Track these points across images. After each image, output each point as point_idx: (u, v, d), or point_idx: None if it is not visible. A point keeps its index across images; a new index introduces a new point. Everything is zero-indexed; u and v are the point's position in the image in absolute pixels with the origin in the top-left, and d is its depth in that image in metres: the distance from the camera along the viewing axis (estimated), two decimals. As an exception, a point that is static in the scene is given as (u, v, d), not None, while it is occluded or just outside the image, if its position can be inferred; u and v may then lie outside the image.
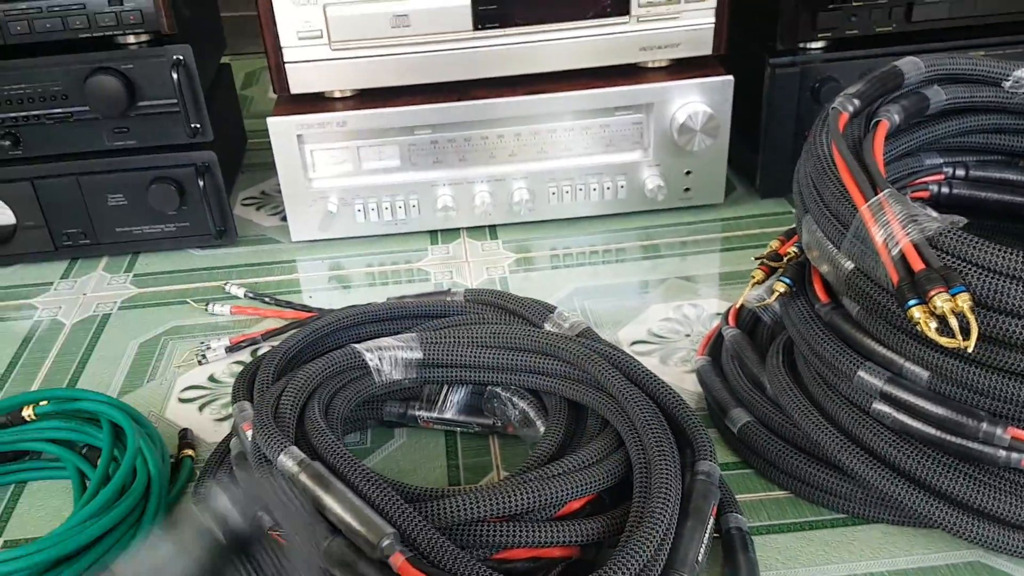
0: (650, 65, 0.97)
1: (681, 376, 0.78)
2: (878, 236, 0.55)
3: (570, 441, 0.65)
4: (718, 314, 0.85)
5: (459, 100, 0.94)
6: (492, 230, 1.02)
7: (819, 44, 0.94)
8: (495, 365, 0.68)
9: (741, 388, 0.70)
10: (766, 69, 0.94)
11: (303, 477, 0.55)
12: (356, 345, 0.67)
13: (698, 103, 0.94)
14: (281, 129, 0.94)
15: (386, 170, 0.98)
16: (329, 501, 0.54)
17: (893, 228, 0.55)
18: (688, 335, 0.83)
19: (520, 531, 0.55)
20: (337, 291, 0.94)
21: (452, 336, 0.69)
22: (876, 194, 0.57)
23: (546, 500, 0.56)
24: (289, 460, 0.56)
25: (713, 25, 0.93)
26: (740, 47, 0.96)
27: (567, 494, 0.57)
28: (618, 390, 0.62)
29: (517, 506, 0.55)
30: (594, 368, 0.64)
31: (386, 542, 0.50)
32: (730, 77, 0.94)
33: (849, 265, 0.59)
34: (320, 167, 0.97)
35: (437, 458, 0.72)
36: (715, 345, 0.77)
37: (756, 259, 0.70)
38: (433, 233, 1.02)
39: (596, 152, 0.98)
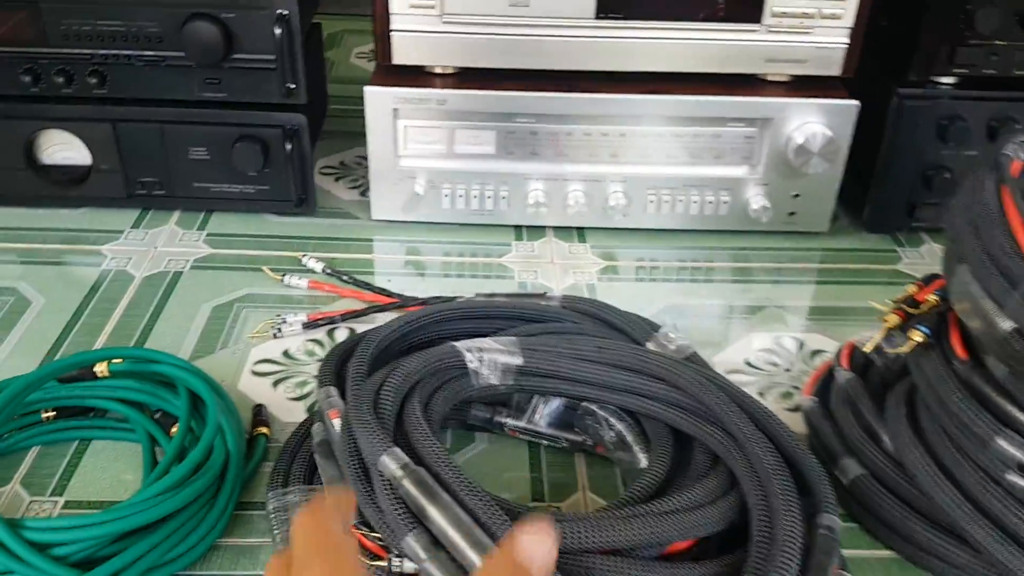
0: (770, 78, 0.92)
1: (782, 414, 0.73)
2: (1054, 300, 0.51)
3: (674, 474, 0.61)
4: (819, 351, 0.81)
5: (567, 91, 0.90)
6: (580, 232, 0.98)
7: (951, 80, 0.89)
8: (598, 382, 0.64)
9: (854, 436, 0.66)
10: (892, 99, 0.89)
11: (407, 483, 0.51)
12: (457, 344, 0.62)
13: (818, 124, 0.89)
14: (378, 100, 0.90)
15: (480, 156, 0.93)
16: (433, 512, 0.50)
17: (1072, 294, 0.50)
18: (787, 369, 0.79)
19: (627, 567, 0.51)
20: (412, 277, 0.90)
21: (554, 345, 0.65)
22: (1053, 254, 0.52)
23: (657, 537, 0.52)
24: (392, 463, 0.52)
25: (846, 46, 0.88)
26: (865, 72, 0.91)
27: (680, 533, 0.53)
28: (738, 429, 0.58)
29: (626, 540, 0.51)
30: (711, 400, 0.60)
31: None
32: (855, 102, 0.89)
33: (1007, 325, 0.54)
34: (412, 144, 0.93)
35: (519, 469, 0.68)
36: (823, 385, 0.72)
37: (891, 301, 0.66)
38: (518, 228, 0.98)
39: (702, 163, 0.93)
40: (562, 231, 0.98)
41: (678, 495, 0.55)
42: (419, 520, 0.51)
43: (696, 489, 0.56)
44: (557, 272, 0.92)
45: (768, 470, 0.55)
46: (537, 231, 0.98)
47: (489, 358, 0.62)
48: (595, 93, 0.90)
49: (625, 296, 0.88)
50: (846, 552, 0.61)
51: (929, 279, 0.66)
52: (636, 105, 0.90)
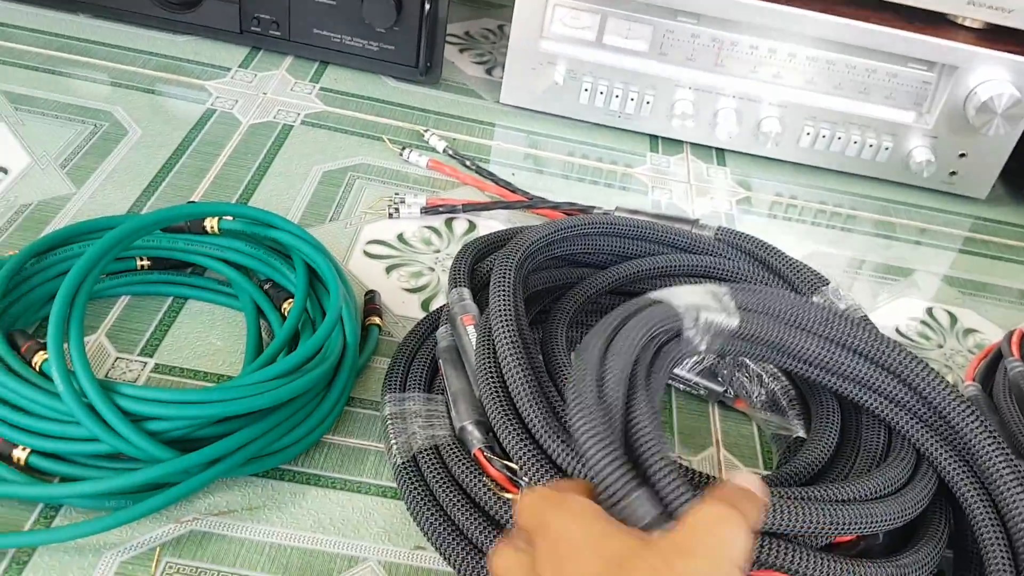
0: (962, 21, 0.82)
1: (937, 397, 0.67)
2: None
3: (839, 451, 0.55)
4: (973, 331, 0.74)
5: (743, -5, 0.80)
6: (720, 154, 0.90)
7: None
8: (820, 362, 0.53)
9: (1021, 435, 0.59)
10: (1098, 65, 0.80)
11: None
12: (675, 303, 0.50)
13: (1007, 83, 0.80)
14: (532, -28, 0.81)
15: (630, 52, 0.84)
16: None
17: None
18: (940, 345, 0.72)
19: (793, 554, 0.45)
20: (530, 172, 0.82)
21: (773, 308, 0.53)
22: None
23: (831, 526, 0.46)
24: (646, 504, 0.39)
25: (1064, -1, 0.78)
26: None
27: (859, 525, 0.47)
28: (1004, 481, 0.49)
29: (806, 526, 0.45)
30: (976, 441, 0.51)
31: None
32: (1056, 63, 0.79)
33: None
34: (557, 26, 0.84)
35: (647, 409, 0.62)
36: (987, 372, 0.66)
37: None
38: (655, 139, 0.90)
39: (872, 101, 0.84)
40: (701, 150, 0.90)
41: (863, 481, 0.48)
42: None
43: (881, 475, 0.50)
44: (691, 193, 0.84)
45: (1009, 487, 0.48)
46: (674, 145, 0.90)
47: (705, 319, 0.51)
48: (771, 2, 0.80)
49: (757, 231, 0.80)
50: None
51: None
52: (812, 23, 0.80)
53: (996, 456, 0.50)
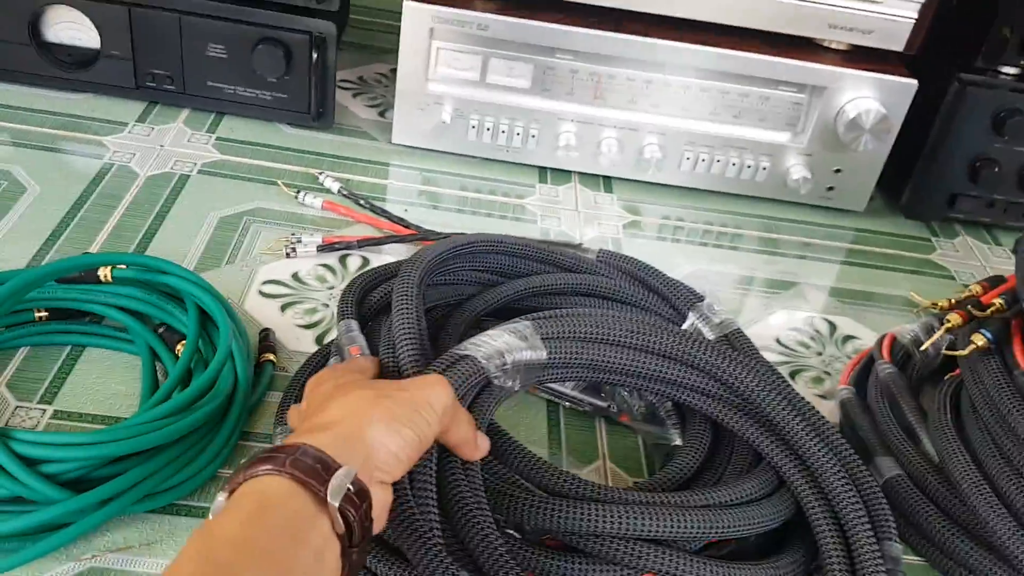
0: (828, 44, 0.88)
1: (814, 400, 0.71)
2: None
3: (711, 457, 0.58)
4: (851, 337, 0.78)
5: (614, 31, 0.85)
6: (607, 181, 0.94)
7: (1016, 71, 0.85)
8: (631, 370, 0.56)
9: (891, 434, 0.63)
10: (953, 83, 0.85)
11: None
12: (478, 357, 0.52)
13: (872, 100, 0.85)
14: (415, 17, 0.84)
15: (513, 89, 0.88)
16: None
17: None
18: (819, 353, 0.76)
19: (667, 559, 0.48)
20: (425, 208, 0.85)
21: (579, 330, 0.56)
22: None
23: (702, 531, 0.49)
24: None
25: (914, 20, 0.83)
26: (927, 53, 0.87)
27: (730, 528, 0.50)
28: (812, 454, 0.53)
29: (670, 532, 0.48)
30: (774, 412, 0.54)
31: None
32: (914, 81, 0.85)
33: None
34: (442, 68, 0.87)
35: (537, 428, 0.64)
36: (860, 375, 0.70)
37: (953, 302, 0.63)
38: (543, 170, 0.93)
39: (747, 124, 0.89)
40: (588, 178, 0.94)
41: (730, 487, 0.52)
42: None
43: (748, 482, 0.53)
44: (580, 221, 0.87)
45: (849, 508, 0.51)
46: (562, 175, 0.93)
47: (513, 361, 0.53)
48: (644, 36, 0.85)
49: (647, 254, 0.83)
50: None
51: (994, 281, 0.63)
52: (685, 54, 0.85)
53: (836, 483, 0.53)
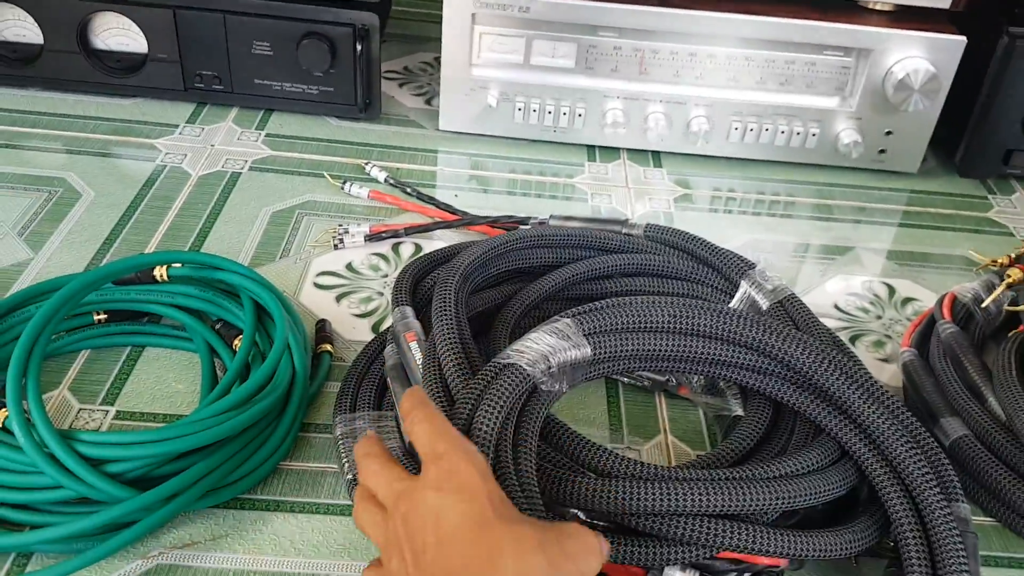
0: (872, 6, 0.86)
1: (874, 363, 0.69)
2: None
3: (773, 426, 0.57)
4: (911, 299, 0.77)
5: (657, 5, 0.84)
6: (656, 157, 0.93)
7: (1068, 19, 0.82)
8: (677, 355, 0.55)
9: (956, 394, 0.62)
10: (1002, 38, 0.83)
11: None
12: (523, 365, 0.51)
13: (921, 60, 0.83)
14: (458, 3, 0.84)
15: (557, 70, 0.88)
16: None
17: None
18: (879, 317, 0.74)
19: (742, 534, 0.47)
20: (476, 192, 0.85)
21: (622, 321, 0.55)
22: None
23: (771, 503, 0.48)
24: None
25: (962, -25, 0.81)
26: (975, 8, 0.84)
27: (798, 498, 0.49)
28: (872, 423, 0.52)
29: (739, 506, 0.48)
30: (829, 383, 0.53)
31: None
32: (963, 38, 0.83)
33: None
34: (486, 53, 0.87)
35: (596, 405, 0.64)
36: (922, 337, 0.68)
37: (1012, 258, 0.61)
38: (592, 149, 0.93)
39: (794, 91, 0.87)
40: (637, 154, 0.93)
41: (795, 457, 0.51)
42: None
43: (812, 452, 0.52)
44: (631, 197, 0.87)
45: (917, 477, 0.50)
46: (611, 153, 0.93)
47: (559, 363, 0.52)
48: (685, 9, 0.84)
49: (705, 228, 0.83)
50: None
51: (1060, 234, 0.61)
52: (728, 25, 0.84)
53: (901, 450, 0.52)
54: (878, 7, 0.86)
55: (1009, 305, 0.61)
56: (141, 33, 0.87)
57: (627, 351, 0.54)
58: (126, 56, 0.89)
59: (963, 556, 0.47)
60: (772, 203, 0.89)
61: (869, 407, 0.52)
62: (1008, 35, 0.83)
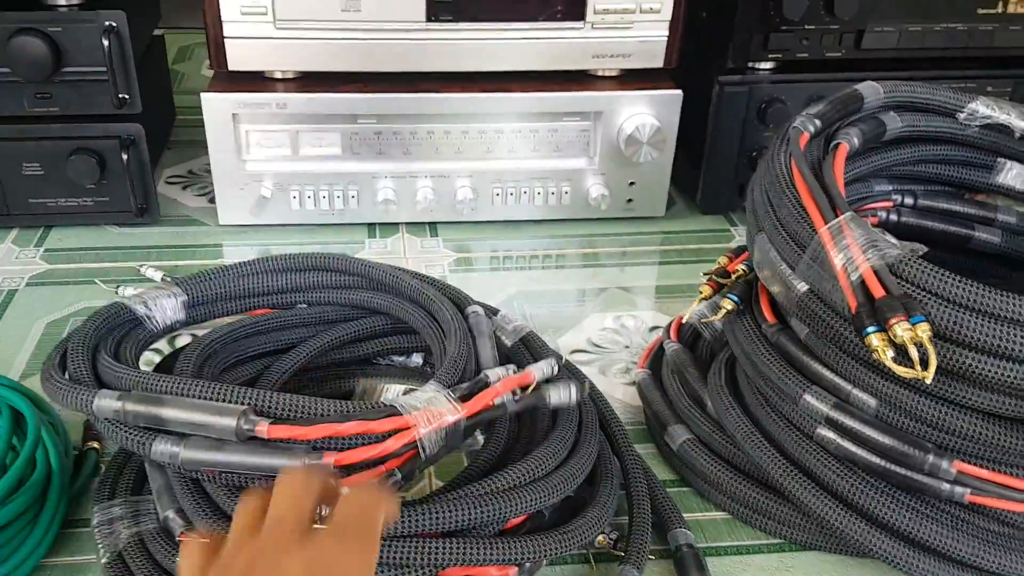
0: (600, 74, 0.95)
1: (622, 388, 0.76)
2: (837, 260, 0.54)
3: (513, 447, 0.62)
4: (657, 327, 0.84)
5: (406, 92, 0.91)
6: (432, 227, 0.99)
7: (768, 65, 0.93)
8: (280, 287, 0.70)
9: (682, 405, 0.68)
10: (714, 86, 0.93)
11: (130, 405, 0.52)
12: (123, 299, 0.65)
13: (646, 115, 0.93)
14: (216, 106, 0.89)
15: (326, 157, 0.94)
16: (168, 411, 0.52)
17: (853, 252, 0.54)
18: (627, 346, 0.81)
19: (460, 548, 0.52)
20: (263, 280, 0.89)
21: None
22: (836, 216, 0.56)
23: (488, 516, 0.53)
24: (107, 400, 0.53)
25: (666, 38, 0.92)
26: (690, 62, 0.95)
27: (512, 511, 0.54)
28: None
29: (458, 522, 0.52)
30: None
31: (244, 420, 0.50)
32: (679, 92, 0.93)
33: (802, 287, 0.57)
34: (255, 149, 0.92)
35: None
36: (656, 358, 0.75)
37: (704, 275, 0.69)
38: (371, 226, 0.98)
39: (543, 156, 0.95)
40: (415, 227, 0.99)
41: (511, 471, 0.56)
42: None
43: (528, 462, 0.57)
44: (411, 267, 0.92)
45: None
46: (390, 228, 0.99)
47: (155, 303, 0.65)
48: (434, 93, 0.91)
49: (477, 285, 0.90)
50: (678, 516, 0.64)
51: (738, 251, 0.69)
52: (475, 104, 0.92)
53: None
54: (606, 73, 0.95)
55: (704, 319, 0.69)
56: (-92, 166, 0.89)
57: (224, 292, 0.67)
58: None
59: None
60: (545, 257, 0.96)
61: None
62: (719, 83, 0.93)
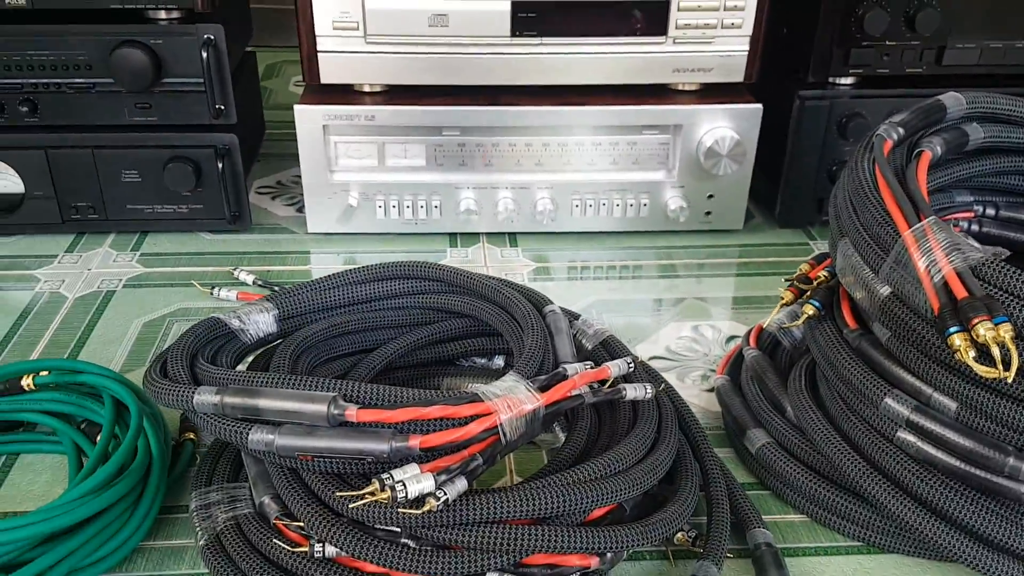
0: (681, 87, 0.96)
1: (699, 394, 0.76)
2: (920, 263, 0.54)
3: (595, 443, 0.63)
4: (735, 336, 0.84)
5: (490, 105, 0.93)
6: (512, 237, 1.01)
7: (849, 80, 0.93)
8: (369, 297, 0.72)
9: (761, 409, 0.69)
10: (795, 101, 0.94)
11: (228, 398, 0.55)
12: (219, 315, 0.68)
13: (726, 128, 0.94)
14: (307, 117, 0.93)
15: (410, 168, 0.96)
16: (264, 402, 0.54)
17: (936, 255, 0.54)
18: (706, 354, 0.82)
19: (545, 535, 0.53)
20: (347, 287, 0.92)
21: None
22: (920, 220, 0.56)
23: (572, 506, 0.54)
24: (206, 395, 0.56)
25: (747, 53, 0.92)
26: (771, 77, 0.96)
27: (595, 501, 0.55)
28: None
29: (543, 510, 0.53)
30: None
31: (334, 406, 0.52)
32: (759, 105, 0.93)
33: (885, 291, 0.58)
34: (343, 160, 0.96)
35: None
36: (735, 365, 0.76)
37: (785, 281, 0.69)
38: (452, 236, 1.01)
39: (622, 169, 0.97)
40: (495, 237, 1.01)
41: (593, 463, 0.57)
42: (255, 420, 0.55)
43: (610, 456, 0.58)
44: (493, 275, 0.94)
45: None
46: (471, 237, 1.01)
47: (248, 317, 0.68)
48: (516, 106, 0.93)
49: (556, 294, 0.89)
50: (756, 521, 0.64)
51: (820, 258, 0.69)
52: (556, 116, 0.94)
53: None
54: (686, 87, 0.96)
55: (784, 325, 0.69)
56: (16, 174, 0.94)
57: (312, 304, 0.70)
58: (4, 197, 0.96)
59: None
60: (622, 268, 0.97)
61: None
62: (799, 98, 0.93)
